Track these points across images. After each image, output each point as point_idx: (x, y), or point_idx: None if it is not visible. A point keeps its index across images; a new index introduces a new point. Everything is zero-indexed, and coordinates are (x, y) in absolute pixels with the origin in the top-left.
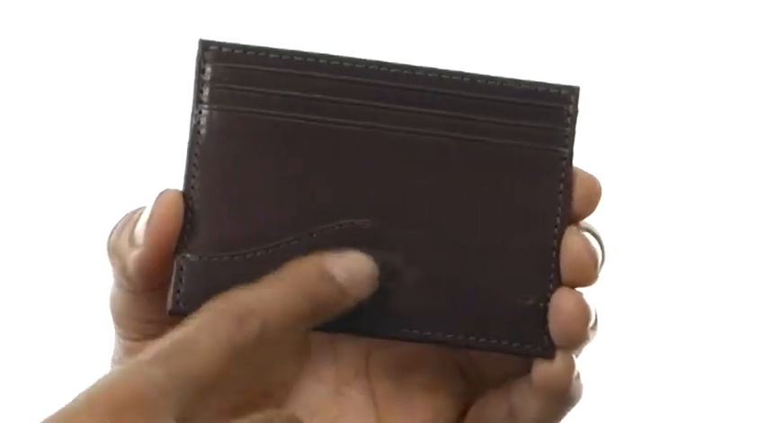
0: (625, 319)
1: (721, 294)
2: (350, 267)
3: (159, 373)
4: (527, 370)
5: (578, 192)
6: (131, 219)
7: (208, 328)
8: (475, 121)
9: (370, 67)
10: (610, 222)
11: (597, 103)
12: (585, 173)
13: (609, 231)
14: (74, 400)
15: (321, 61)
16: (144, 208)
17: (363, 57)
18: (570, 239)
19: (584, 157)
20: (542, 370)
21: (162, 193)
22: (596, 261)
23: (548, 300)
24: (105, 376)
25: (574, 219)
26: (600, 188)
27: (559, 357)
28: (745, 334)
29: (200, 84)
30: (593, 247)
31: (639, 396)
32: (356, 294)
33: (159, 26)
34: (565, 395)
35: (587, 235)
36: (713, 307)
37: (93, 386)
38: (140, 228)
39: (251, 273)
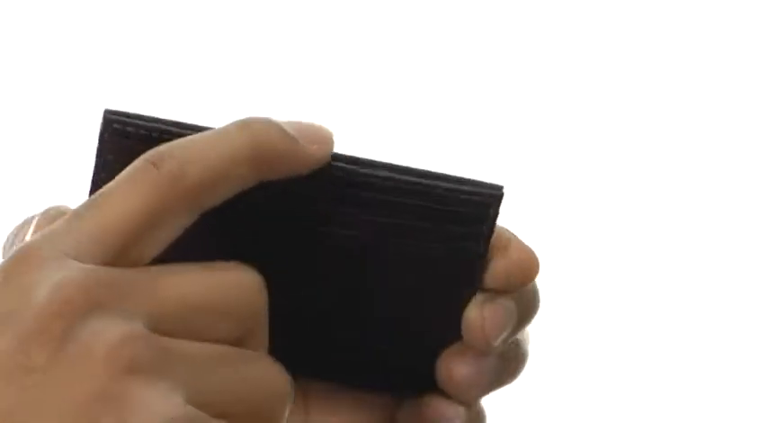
0: (621, 320)
1: (713, 295)
2: (302, 123)
3: (64, 227)
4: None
5: (512, 267)
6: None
7: (124, 178)
8: (392, 224)
9: None
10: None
11: (591, 100)
12: (524, 247)
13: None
14: None
15: None
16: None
17: None
18: (469, 309)
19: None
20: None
21: None
22: (486, 336)
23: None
24: None
25: (506, 290)
26: (534, 265)
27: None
28: (735, 337)
29: (100, 167)
30: (487, 319)
31: (637, 396)
32: (311, 149)
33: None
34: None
35: (489, 305)
36: (707, 308)
37: None
38: None
39: None
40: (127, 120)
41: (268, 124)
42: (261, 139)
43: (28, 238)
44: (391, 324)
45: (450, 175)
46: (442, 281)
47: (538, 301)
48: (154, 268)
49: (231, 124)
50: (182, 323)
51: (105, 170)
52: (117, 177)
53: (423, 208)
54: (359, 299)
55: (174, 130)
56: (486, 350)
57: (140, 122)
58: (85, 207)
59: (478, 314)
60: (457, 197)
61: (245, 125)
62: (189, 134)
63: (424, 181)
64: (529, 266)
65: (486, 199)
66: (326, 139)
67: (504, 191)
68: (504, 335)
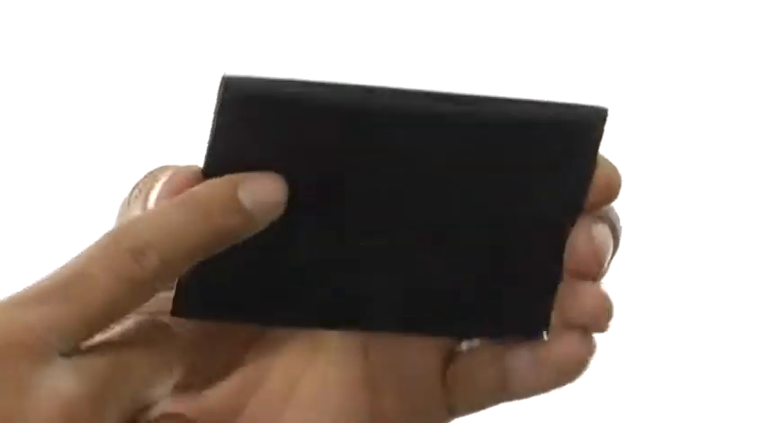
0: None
1: (719, 295)
2: (260, 193)
3: (48, 310)
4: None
5: (596, 183)
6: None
7: (104, 263)
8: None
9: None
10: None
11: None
12: (607, 163)
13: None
14: None
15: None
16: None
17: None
18: (576, 232)
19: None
20: (558, 348)
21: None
22: (599, 259)
23: (553, 291)
24: None
25: (590, 208)
26: (618, 181)
27: (578, 339)
28: (741, 335)
29: (220, 130)
30: (597, 243)
31: (639, 396)
32: (261, 222)
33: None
34: (575, 374)
35: (597, 227)
36: (711, 308)
37: None
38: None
39: (255, 270)
40: (248, 88)
41: (232, 210)
42: (225, 228)
43: (153, 198)
44: (483, 263)
45: (542, 101)
46: (541, 208)
47: (618, 230)
48: None
49: (198, 207)
50: None
51: (225, 132)
52: (95, 256)
53: (522, 138)
54: (446, 237)
55: (295, 90)
56: (598, 275)
57: (263, 84)
58: (70, 289)
59: (587, 237)
60: (559, 122)
61: (210, 214)
62: (308, 94)
63: (521, 110)
64: (616, 182)
65: (591, 117)
66: (278, 207)
67: (608, 111)
68: (606, 256)
